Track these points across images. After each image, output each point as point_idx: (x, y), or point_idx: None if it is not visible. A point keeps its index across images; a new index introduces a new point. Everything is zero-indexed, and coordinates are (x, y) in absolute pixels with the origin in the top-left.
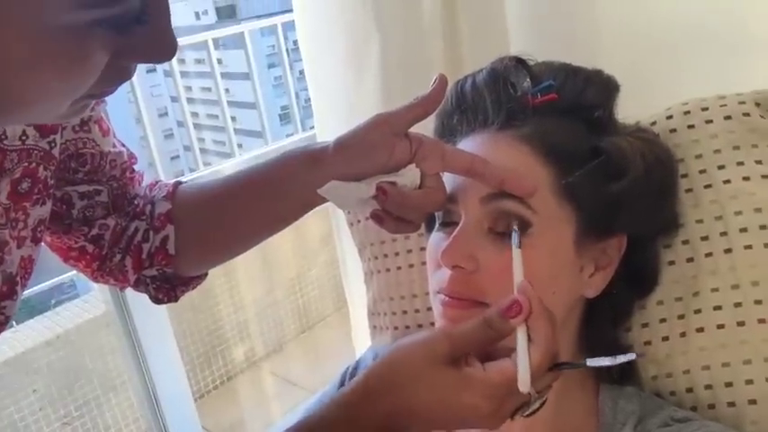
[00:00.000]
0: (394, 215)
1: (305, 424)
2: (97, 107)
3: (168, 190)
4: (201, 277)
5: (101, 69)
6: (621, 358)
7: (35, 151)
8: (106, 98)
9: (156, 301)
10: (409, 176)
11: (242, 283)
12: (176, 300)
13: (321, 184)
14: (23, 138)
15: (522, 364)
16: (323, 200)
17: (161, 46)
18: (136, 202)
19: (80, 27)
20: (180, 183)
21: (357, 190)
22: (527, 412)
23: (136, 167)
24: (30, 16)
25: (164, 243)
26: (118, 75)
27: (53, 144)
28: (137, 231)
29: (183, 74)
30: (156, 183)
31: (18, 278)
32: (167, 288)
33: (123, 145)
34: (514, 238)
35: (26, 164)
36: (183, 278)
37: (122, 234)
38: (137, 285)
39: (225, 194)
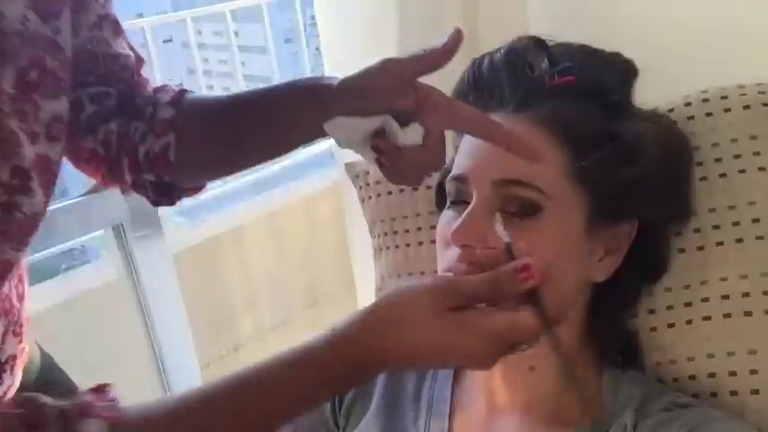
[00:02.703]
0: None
1: (294, 353)
2: (110, 6)
3: (173, 96)
4: (199, 188)
5: None
6: None
7: (39, 39)
8: None
9: (155, 203)
10: (411, 134)
11: (251, 256)
12: (174, 204)
13: (324, 119)
14: (25, 21)
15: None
16: (324, 134)
17: None
18: (138, 103)
19: None
20: (185, 91)
21: (364, 126)
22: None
23: (143, 72)
24: None
25: (165, 150)
26: None
27: (57, 32)
28: (135, 131)
29: (201, 46)
30: (163, 86)
31: (33, 175)
32: (165, 193)
33: (132, 48)
34: None
35: (31, 51)
36: (180, 187)
37: (125, 136)
38: (136, 188)
39: (231, 111)
